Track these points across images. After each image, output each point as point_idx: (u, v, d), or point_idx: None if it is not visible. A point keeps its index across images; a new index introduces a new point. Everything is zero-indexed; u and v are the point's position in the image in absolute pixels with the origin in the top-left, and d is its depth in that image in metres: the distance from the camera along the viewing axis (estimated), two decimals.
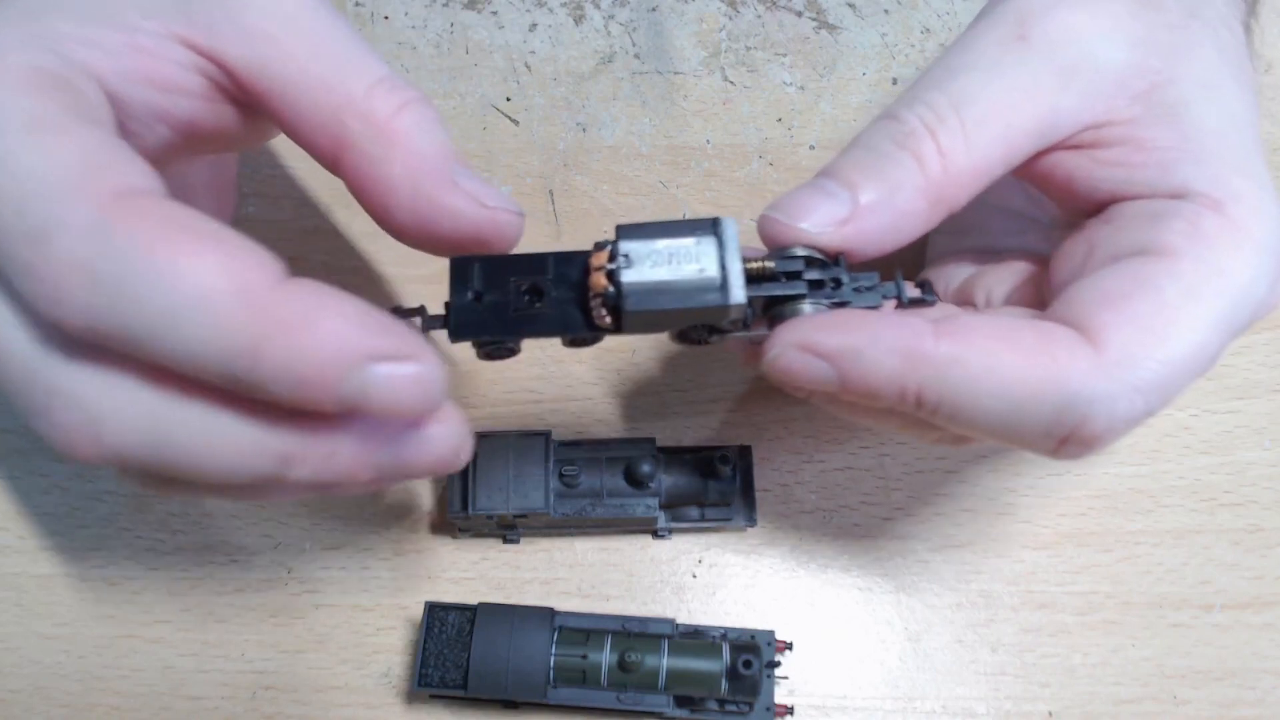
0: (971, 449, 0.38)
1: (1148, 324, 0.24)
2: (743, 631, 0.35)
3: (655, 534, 0.37)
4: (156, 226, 0.21)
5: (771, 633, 0.35)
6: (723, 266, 0.25)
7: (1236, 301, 0.25)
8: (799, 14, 0.45)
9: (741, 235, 0.26)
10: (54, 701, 0.35)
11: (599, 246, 0.25)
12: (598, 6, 0.45)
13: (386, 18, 0.45)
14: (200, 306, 0.20)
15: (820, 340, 0.25)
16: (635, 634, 0.34)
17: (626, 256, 0.25)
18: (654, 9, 0.45)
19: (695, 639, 0.34)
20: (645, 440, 0.36)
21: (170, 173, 0.26)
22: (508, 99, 0.44)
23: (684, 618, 0.36)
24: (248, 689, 0.36)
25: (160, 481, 0.25)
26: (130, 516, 0.37)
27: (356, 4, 0.45)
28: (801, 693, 0.36)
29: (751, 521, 0.37)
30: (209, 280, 0.20)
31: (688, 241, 0.25)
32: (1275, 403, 0.39)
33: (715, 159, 0.43)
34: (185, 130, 0.26)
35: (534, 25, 0.45)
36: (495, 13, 0.45)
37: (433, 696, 0.35)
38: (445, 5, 0.45)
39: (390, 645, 0.36)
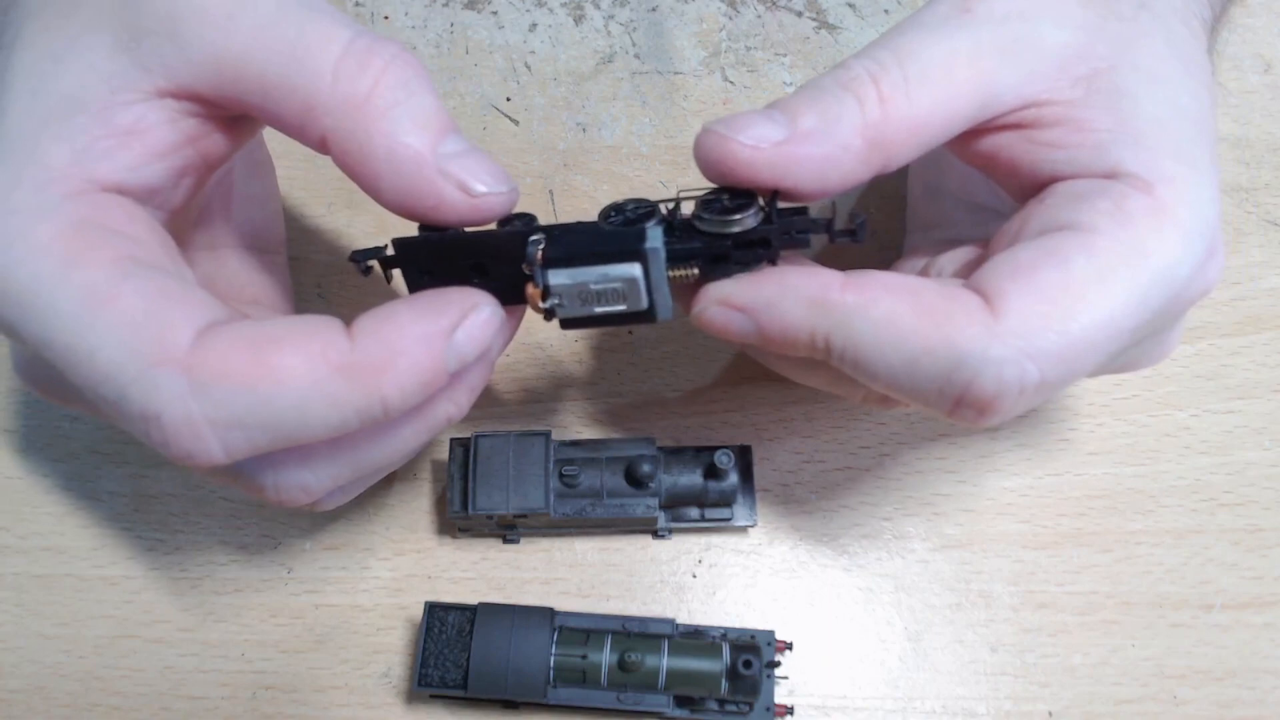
0: (970, 445, 0.38)
1: (1050, 295, 0.24)
2: (743, 631, 0.35)
3: (655, 534, 0.37)
4: (236, 358, 0.23)
5: (771, 633, 0.35)
6: (650, 296, 0.27)
7: (1153, 282, 0.25)
8: (799, 14, 0.45)
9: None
10: (54, 701, 0.35)
11: (529, 258, 0.27)
12: (598, 6, 0.45)
13: (386, 18, 0.45)
14: (317, 397, 0.24)
15: (737, 295, 0.27)
16: (635, 634, 0.34)
17: (559, 298, 0.27)
18: (654, 9, 0.45)
19: (695, 639, 0.34)
20: (645, 440, 0.36)
21: (209, 185, 0.29)
22: (508, 99, 0.44)
23: (684, 618, 0.36)
24: (248, 689, 0.36)
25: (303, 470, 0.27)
26: (130, 516, 0.37)
27: (356, 4, 0.45)
28: (801, 693, 0.36)
29: (751, 521, 0.37)
30: (308, 376, 0.24)
31: (613, 274, 0.27)
32: (1275, 403, 0.39)
33: None
34: (197, 171, 0.27)
35: (534, 25, 0.45)
36: (495, 13, 0.45)
37: (433, 696, 0.35)
38: (445, 5, 0.45)
39: (390, 645, 0.36)
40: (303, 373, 0.23)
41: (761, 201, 0.26)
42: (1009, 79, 0.26)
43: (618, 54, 0.44)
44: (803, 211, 0.27)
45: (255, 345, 0.23)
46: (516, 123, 0.43)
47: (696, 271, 0.27)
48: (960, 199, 0.34)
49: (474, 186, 0.26)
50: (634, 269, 0.26)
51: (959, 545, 0.37)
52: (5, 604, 0.37)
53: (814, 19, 0.45)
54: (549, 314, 0.28)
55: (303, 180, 0.42)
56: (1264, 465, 0.38)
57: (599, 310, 0.27)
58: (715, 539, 0.37)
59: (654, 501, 0.35)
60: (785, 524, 0.38)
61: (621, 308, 0.27)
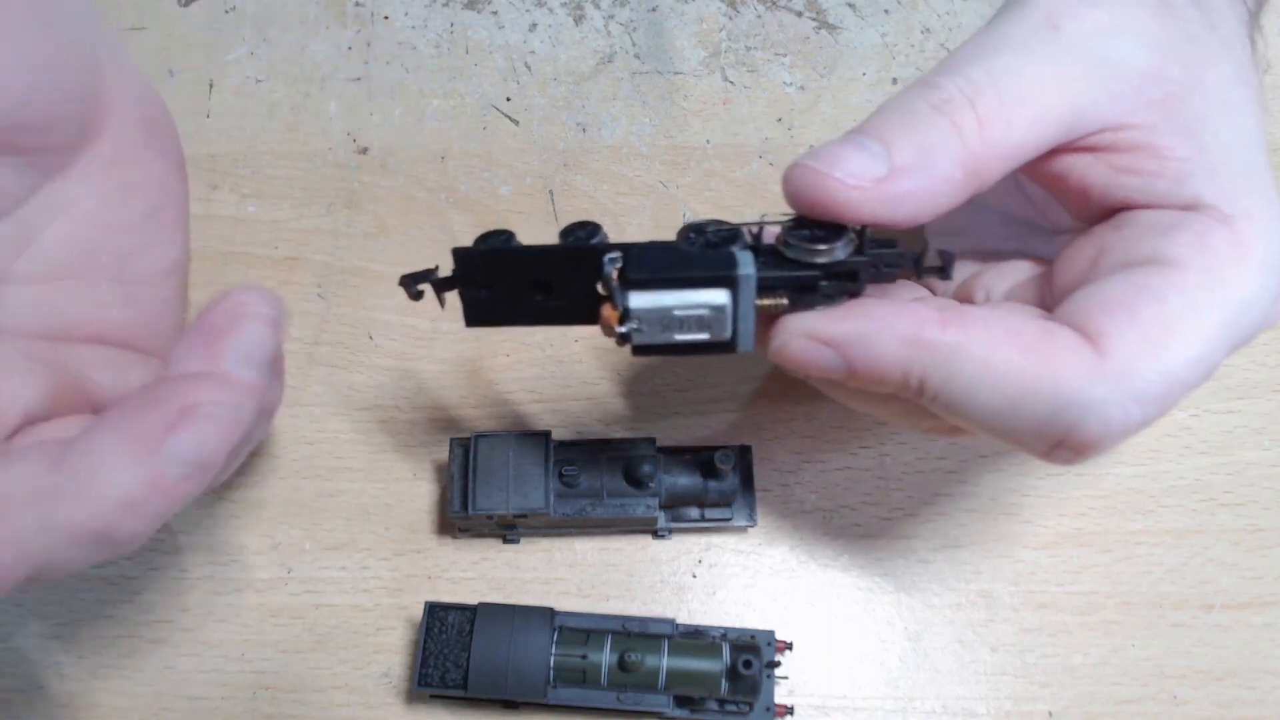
0: (970, 445, 0.38)
1: (1150, 333, 0.24)
2: (743, 631, 0.35)
3: (655, 534, 0.37)
4: None
5: (771, 633, 0.35)
6: (735, 327, 0.25)
7: (1238, 316, 0.25)
8: (799, 14, 0.45)
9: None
10: (54, 701, 0.35)
11: (605, 279, 0.25)
12: (598, 6, 0.45)
13: (386, 18, 0.45)
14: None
15: (825, 328, 0.25)
16: (635, 634, 0.34)
17: (637, 323, 0.25)
18: (654, 9, 0.45)
19: (695, 639, 0.34)
20: (645, 440, 0.36)
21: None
22: (508, 99, 0.44)
23: (684, 618, 0.36)
24: (248, 689, 0.36)
25: None
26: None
27: (357, 4, 0.45)
28: (801, 693, 0.36)
29: (751, 521, 0.37)
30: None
31: (700, 300, 0.25)
32: (1275, 403, 0.39)
33: (715, 159, 0.43)
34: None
35: (534, 25, 0.45)
36: (495, 13, 0.45)
37: (433, 696, 0.35)
38: (445, 5, 0.45)
39: (390, 645, 0.36)
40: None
41: (851, 232, 0.25)
42: (1092, 101, 0.26)
43: (618, 54, 0.44)
44: (891, 244, 0.26)
45: None
46: (516, 123, 0.43)
47: (786, 302, 0.25)
48: (996, 210, 0.33)
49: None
50: (722, 296, 0.25)
51: (959, 545, 0.37)
52: (5, 604, 0.36)
53: (814, 19, 0.45)
54: (623, 339, 0.25)
55: (302, 180, 0.42)
56: (1264, 465, 0.38)
57: (679, 338, 0.25)
58: (715, 539, 0.37)
59: (654, 501, 0.35)
60: (785, 524, 0.38)
61: (703, 337, 0.25)
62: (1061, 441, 0.24)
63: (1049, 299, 0.28)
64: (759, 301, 0.25)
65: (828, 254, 0.25)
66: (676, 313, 0.25)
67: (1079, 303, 0.25)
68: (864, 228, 0.25)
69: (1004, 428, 0.25)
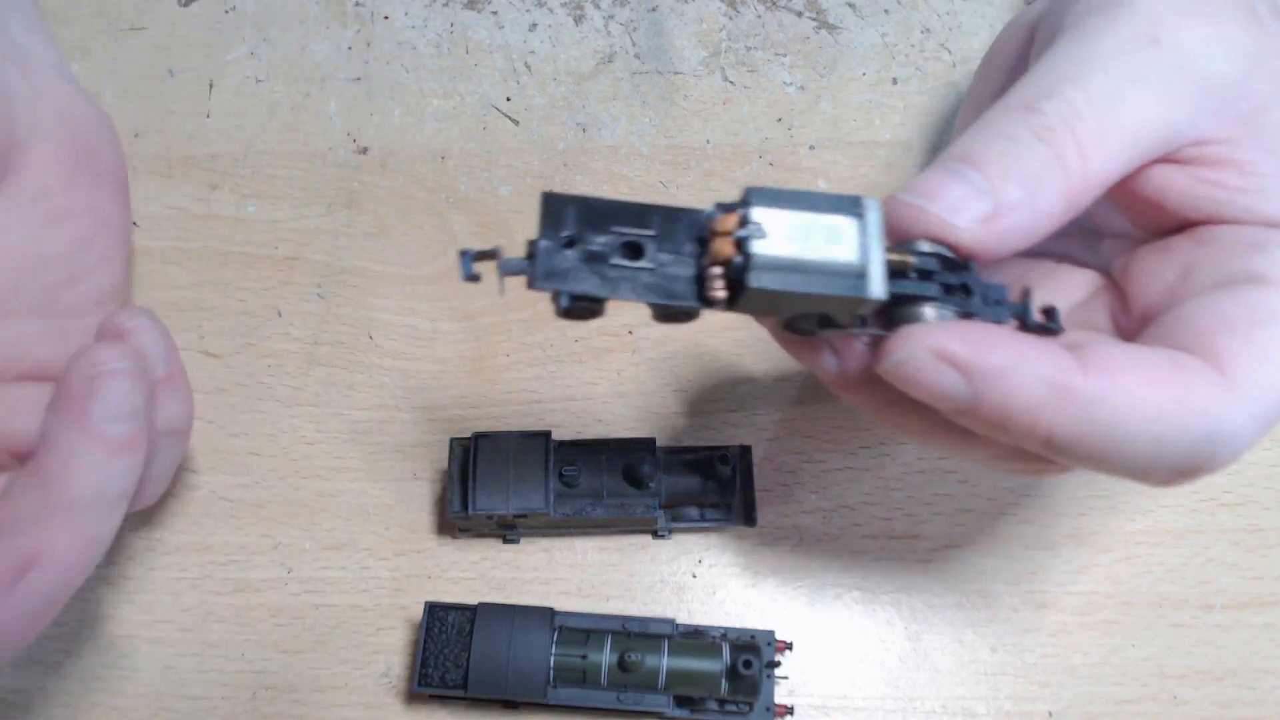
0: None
1: (1271, 358, 0.23)
2: (743, 631, 0.35)
3: (655, 534, 0.37)
4: None
5: (771, 633, 0.35)
6: (864, 253, 0.22)
7: None
8: (799, 14, 0.45)
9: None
10: (55, 701, 0.35)
11: (724, 208, 0.23)
12: (598, 6, 0.45)
13: (387, 17, 0.45)
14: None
15: (962, 351, 0.22)
16: (635, 634, 0.34)
17: (759, 225, 0.22)
18: (654, 9, 0.45)
19: (695, 639, 0.34)
20: (645, 440, 0.36)
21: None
22: (508, 99, 0.44)
23: (684, 618, 0.36)
24: (248, 689, 0.36)
25: None
26: (130, 517, 0.37)
27: (357, 4, 0.45)
28: (801, 693, 0.36)
29: (751, 521, 0.37)
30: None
31: (828, 218, 0.22)
32: None
33: (715, 159, 0.43)
34: None
35: (534, 25, 0.45)
36: (495, 13, 0.45)
37: (433, 696, 0.35)
38: (445, 5, 0.45)
39: (390, 645, 0.36)
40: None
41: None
42: (1189, 117, 0.25)
43: (618, 54, 0.44)
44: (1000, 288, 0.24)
45: None
46: (516, 123, 0.43)
47: (913, 260, 0.23)
48: None
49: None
50: (850, 217, 0.22)
51: (959, 545, 0.37)
52: None
53: (814, 19, 0.45)
54: (739, 264, 0.22)
55: (302, 180, 0.42)
56: (1264, 465, 0.38)
57: (799, 253, 0.22)
58: (715, 539, 0.37)
59: (654, 501, 0.35)
60: (785, 524, 0.38)
61: (832, 251, 0.22)
62: (1191, 472, 0.23)
63: (1120, 315, 0.27)
64: (890, 254, 0.23)
65: (928, 247, 0.23)
66: (799, 220, 0.22)
67: (1187, 323, 0.24)
68: (970, 257, 0.24)
69: (1144, 467, 0.23)
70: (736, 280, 0.22)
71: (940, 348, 0.22)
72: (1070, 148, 0.24)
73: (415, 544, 0.37)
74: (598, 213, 0.23)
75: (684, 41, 0.44)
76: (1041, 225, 0.24)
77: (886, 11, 0.45)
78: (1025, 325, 0.24)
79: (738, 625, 0.36)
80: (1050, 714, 0.35)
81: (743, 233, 0.22)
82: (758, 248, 0.22)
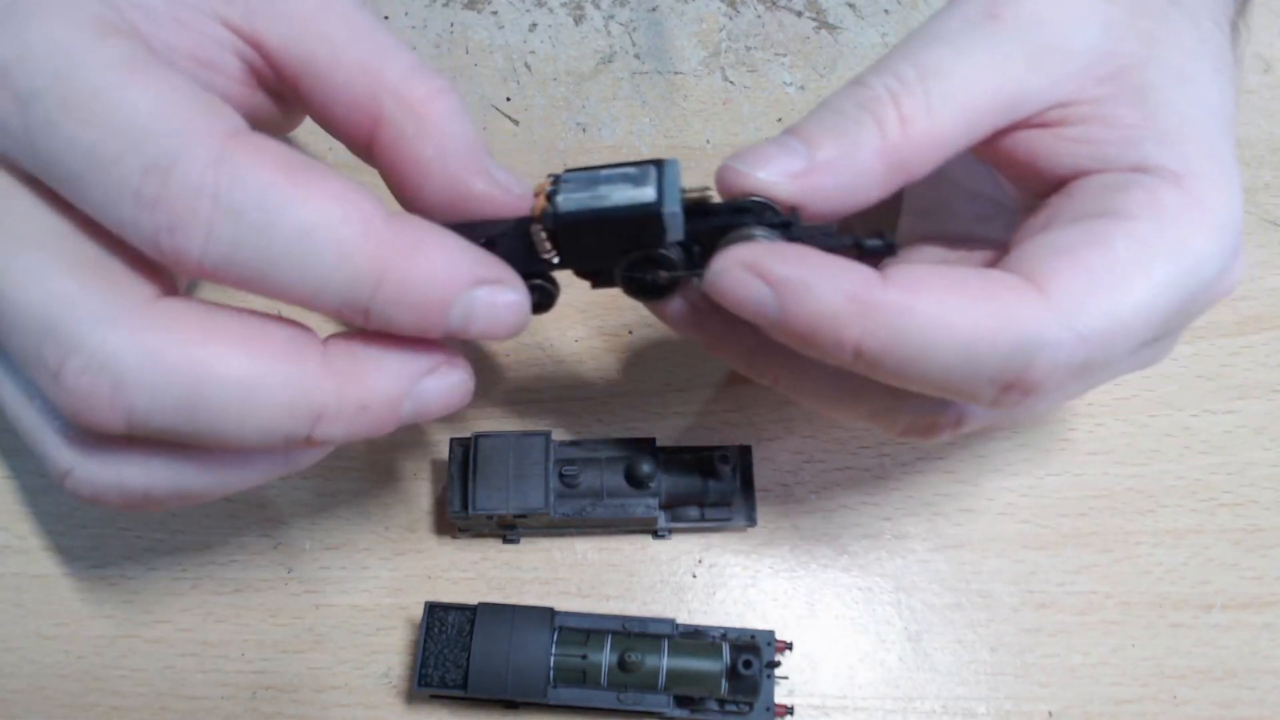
0: (970, 445, 0.38)
1: (1097, 275, 0.24)
2: (743, 631, 0.35)
3: (655, 534, 0.37)
4: (279, 162, 0.22)
5: (771, 633, 0.35)
6: (660, 186, 0.25)
7: (1189, 273, 0.25)
8: (799, 14, 0.45)
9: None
10: (54, 701, 0.35)
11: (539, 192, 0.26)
12: (598, 6, 0.45)
13: (386, 18, 0.45)
14: (329, 235, 0.22)
15: (770, 265, 0.24)
16: (635, 634, 0.34)
17: (566, 181, 0.26)
18: (654, 9, 0.45)
19: (695, 639, 0.34)
20: (645, 440, 0.36)
21: None
22: (508, 99, 0.44)
23: (684, 618, 0.36)
24: (248, 689, 0.36)
25: (112, 472, 0.25)
26: (130, 516, 0.37)
27: None
28: (801, 693, 0.36)
29: (751, 521, 0.37)
30: (337, 211, 0.22)
31: (628, 170, 0.26)
32: (1275, 403, 0.39)
33: (715, 159, 0.42)
34: None
35: (534, 25, 0.45)
36: (495, 13, 0.45)
37: (433, 696, 0.35)
38: (445, 5, 0.45)
39: (390, 645, 0.36)
40: (332, 208, 0.22)
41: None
42: (1035, 84, 0.26)
43: (618, 54, 0.44)
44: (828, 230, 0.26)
45: (297, 162, 0.22)
46: (516, 123, 0.43)
47: (711, 192, 0.26)
48: (962, 186, 0.34)
49: (512, 187, 0.26)
50: (647, 166, 0.26)
51: (959, 545, 0.37)
52: (5, 604, 0.36)
53: (814, 19, 0.45)
54: (549, 214, 0.25)
55: None
56: (1264, 465, 0.38)
57: (601, 195, 0.25)
58: (715, 539, 0.37)
59: (654, 501, 0.35)
60: (785, 524, 0.38)
61: (626, 193, 0.25)
62: (1014, 383, 0.24)
63: None
64: (686, 194, 0.26)
65: (764, 191, 0.25)
66: (603, 174, 0.26)
67: (1024, 252, 0.25)
68: (794, 210, 0.26)
69: (958, 380, 0.24)
70: (554, 231, 0.25)
71: (750, 261, 0.24)
72: (891, 115, 0.25)
73: (415, 544, 0.37)
74: (459, 232, 0.26)
75: (684, 41, 0.44)
76: (861, 182, 0.25)
77: (886, 11, 0.45)
78: (860, 251, 0.25)
79: (738, 625, 0.36)
80: (1050, 714, 0.35)
81: (551, 188, 0.26)
82: (562, 195, 0.26)
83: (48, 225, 0.23)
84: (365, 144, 0.27)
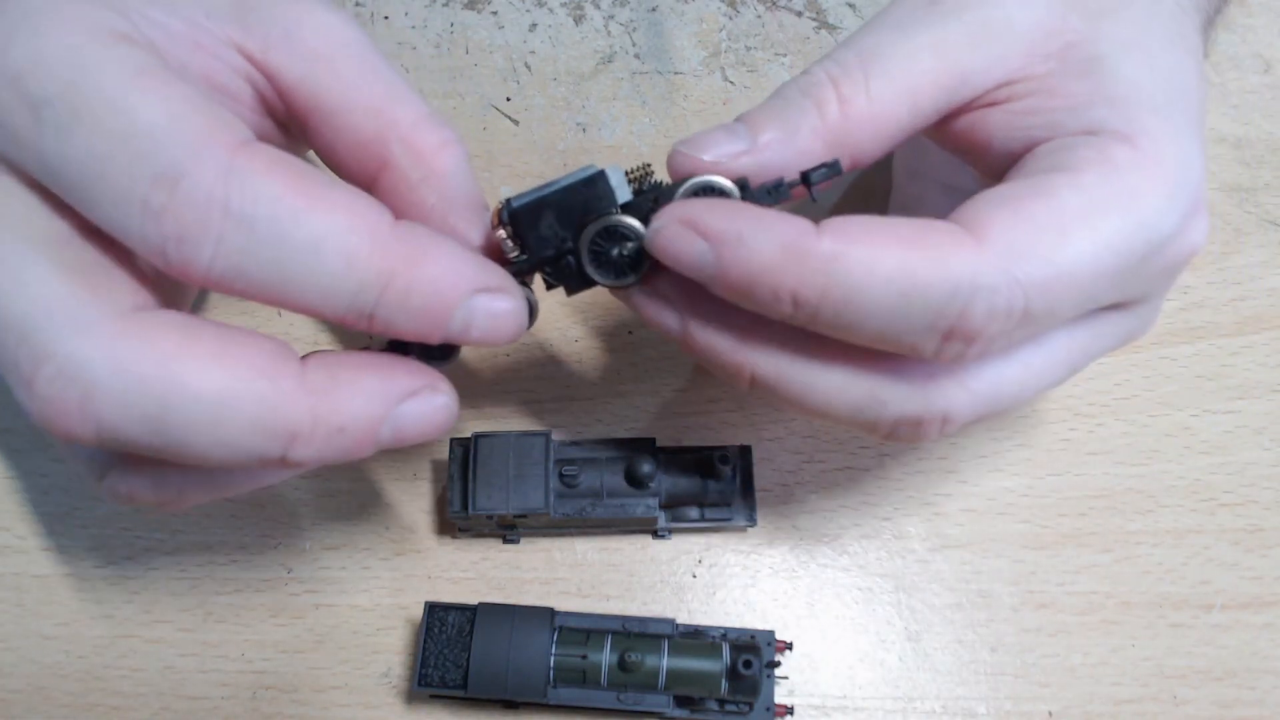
0: (970, 445, 0.38)
1: (1038, 224, 0.24)
2: (743, 631, 0.35)
3: (655, 534, 0.37)
4: (288, 173, 0.22)
5: (771, 633, 0.35)
6: (603, 169, 0.27)
7: (1139, 226, 0.25)
8: (799, 14, 0.45)
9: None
10: (54, 701, 0.35)
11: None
12: (598, 6, 0.45)
13: (386, 18, 0.45)
14: (338, 244, 0.22)
15: (706, 219, 0.25)
16: (635, 634, 0.34)
17: (516, 193, 0.27)
18: (654, 9, 0.45)
19: (695, 639, 0.34)
20: (645, 440, 0.36)
21: None
22: (508, 99, 0.44)
23: (684, 618, 0.36)
24: (248, 689, 0.36)
25: (141, 476, 0.25)
26: (130, 516, 0.37)
27: (357, 4, 0.45)
28: (801, 693, 0.36)
29: (751, 521, 0.37)
30: (345, 221, 0.22)
31: (571, 173, 0.27)
32: (1275, 403, 0.39)
33: None
34: None
35: (534, 25, 0.45)
36: (495, 13, 0.45)
37: (433, 696, 0.35)
38: (445, 5, 0.45)
39: (390, 645, 0.36)
40: (340, 218, 0.22)
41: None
42: (978, 65, 0.27)
43: (618, 54, 0.44)
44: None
45: (307, 173, 0.22)
46: (516, 123, 0.43)
47: (650, 166, 0.27)
48: (938, 180, 0.34)
49: (506, 253, 0.27)
50: (590, 168, 0.27)
51: (959, 545, 0.37)
52: (5, 604, 0.37)
53: (814, 19, 0.45)
54: (506, 216, 0.27)
55: None
56: (1264, 465, 0.38)
57: (549, 185, 0.26)
58: (715, 539, 0.37)
59: (654, 501, 0.35)
60: (785, 524, 0.38)
61: (572, 177, 0.26)
62: (952, 331, 0.24)
63: None
64: (629, 171, 0.27)
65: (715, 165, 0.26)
66: (552, 180, 0.27)
67: (970, 204, 0.25)
68: (744, 180, 0.27)
69: (896, 327, 0.24)
70: (510, 221, 0.26)
71: (687, 216, 0.25)
72: (830, 97, 0.26)
73: (415, 544, 0.37)
74: None
75: (684, 41, 0.44)
76: (800, 161, 0.26)
77: None
78: (807, 181, 0.26)
79: (738, 625, 0.36)
80: (1050, 714, 0.35)
81: (506, 196, 0.27)
82: (516, 200, 0.27)
83: (42, 230, 0.23)
84: (367, 183, 0.27)
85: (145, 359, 0.22)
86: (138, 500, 0.25)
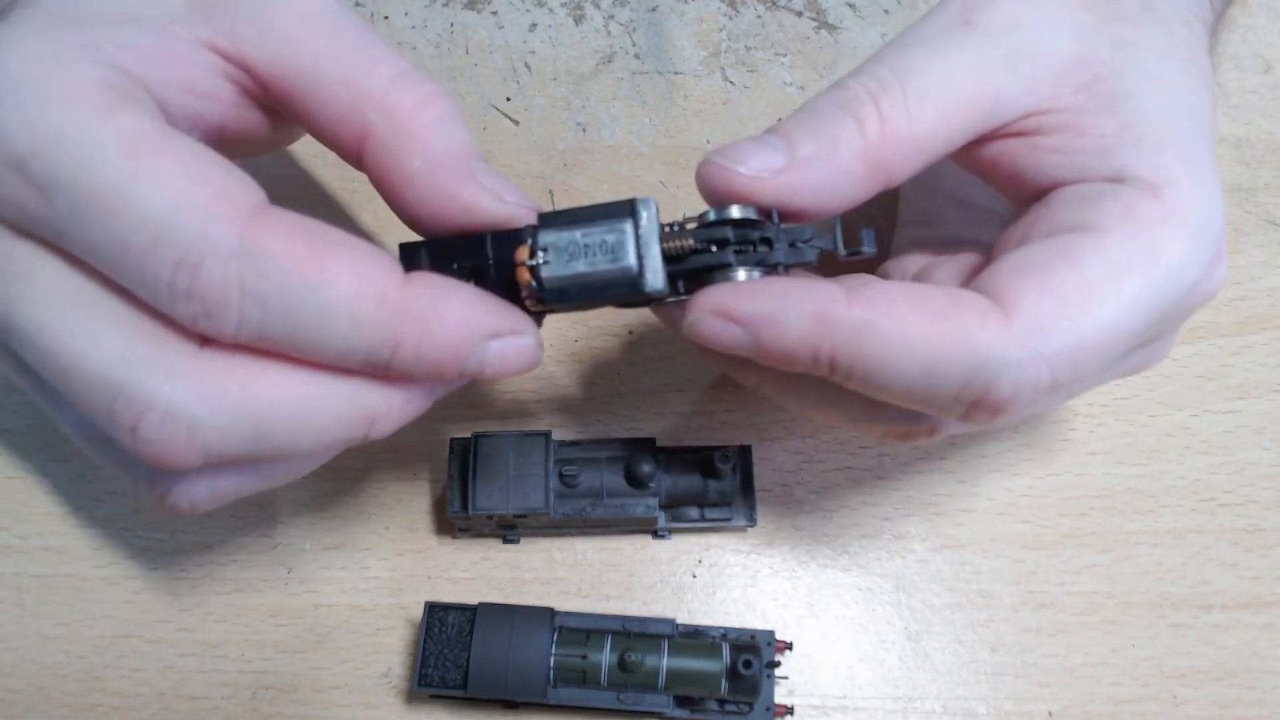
0: (970, 445, 0.38)
1: (1062, 294, 0.24)
2: (743, 631, 0.35)
3: (655, 534, 0.37)
4: (296, 241, 0.23)
5: (771, 633, 0.35)
6: (639, 256, 0.26)
7: (1164, 282, 0.25)
8: (799, 14, 0.45)
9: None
10: (54, 701, 0.35)
11: (521, 238, 0.26)
12: (598, 6, 0.45)
13: (386, 18, 0.45)
14: (346, 312, 0.23)
15: (736, 306, 0.25)
16: (635, 634, 0.34)
17: (545, 251, 0.26)
18: (654, 9, 0.45)
19: (695, 639, 0.34)
20: (645, 440, 0.36)
21: None
22: (508, 99, 0.44)
23: (684, 618, 0.36)
24: (248, 689, 0.36)
25: (201, 481, 0.26)
26: (130, 516, 0.37)
27: (357, 4, 0.45)
28: (801, 693, 0.36)
29: (751, 521, 0.37)
30: (350, 288, 0.23)
31: (604, 234, 0.26)
32: (1275, 403, 0.39)
33: None
34: (217, 135, 0.27)
35: (534, 25, 0.45)
36: (495, 13, 0.45)
37: (433, 696, 0.35)
38: (445, 5, 0.45)
39: (390, 645, 0.36)
40: (346, 284, 0.23)
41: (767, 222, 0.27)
42: (1011, 91, 0.26)
43: (618, 54, 0.44)
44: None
45: (314, 238, 0.23)
46: (516, 123, 0.43)
47: (691, 243, 0.26)
48: (953, 196, 0.34)
49: (504, 195, 0.26)
50: (624, 224, 0.26)
51: (959, 545, 0.37)
52: (5, 604, 0.37)
53: (814, 19, 0.45)
54: (536, 287, 0.26)
55: (303, 180, 0.42)
56: (1264, 465, 0.38)
57: (584, 268, 0.26)
58: (715, 539, 0.37)
59: (654, 501, 0.35)
60: (785, 524, 0.38)
61: (607, 264, 0.26)
62: (977, 403, 0.25)
63: None
64: (665, 245, 0.26)
65: (739, 213, 0.26)
66: (580, 238, 0.26)
67: (996, 271, 0.25)
68: (774, 211, 0.26)
69: (921, 395, 0.25)
70: (539, 299, 0.27)
71: (716, 306, 0.26)
72: (870, 114, 0.26)
73: (415, 544, 0.37)
74: (443, 251, 0.27)
75: (684, 41, 0.44)
76: (841, 181, 0.26)
77: (886, 11, 0.45)
78: (837, 248, 0.26)
79: (738, 625, 0.36)
80: (1050, 714, 0.35)
81: (533, 262, 0.26)
82: (545, 273, 0.26)
83: (84, 290, 0.24)
84: (355, 156, 0.27)
85: (233, 387, 0.23)
86: (199, 509, 0.27)
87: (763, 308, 0.25)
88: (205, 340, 0.24)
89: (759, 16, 0.45)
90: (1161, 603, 0.37)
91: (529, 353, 0.26)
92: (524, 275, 0.26)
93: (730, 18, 0.45)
